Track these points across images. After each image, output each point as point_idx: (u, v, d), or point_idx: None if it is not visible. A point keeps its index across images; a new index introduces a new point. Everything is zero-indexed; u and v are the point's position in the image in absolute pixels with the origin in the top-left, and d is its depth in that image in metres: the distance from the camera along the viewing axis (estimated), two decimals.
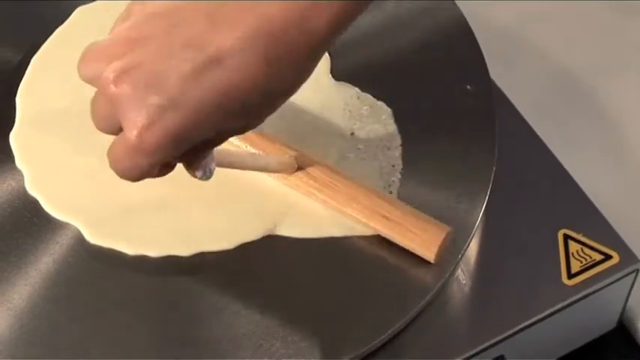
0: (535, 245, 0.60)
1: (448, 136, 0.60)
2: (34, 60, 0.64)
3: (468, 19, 0.65)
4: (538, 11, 0.77)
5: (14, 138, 0.61)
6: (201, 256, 0.55)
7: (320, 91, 0.62)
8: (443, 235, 0.54)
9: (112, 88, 0.40)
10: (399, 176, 0.58)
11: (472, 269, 0.59)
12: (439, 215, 0.56)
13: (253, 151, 0.57)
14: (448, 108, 0.61)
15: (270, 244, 0.56)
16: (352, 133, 0.60)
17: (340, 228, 0.56)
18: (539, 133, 0.64)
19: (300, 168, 0.56)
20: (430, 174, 0.58)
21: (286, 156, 0.57)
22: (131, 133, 0.41)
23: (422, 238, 0.54)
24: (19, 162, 0.60)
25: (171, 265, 0.54)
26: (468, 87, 0.62)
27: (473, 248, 0.59)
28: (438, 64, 0.64)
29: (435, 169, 0.59)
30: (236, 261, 0.55)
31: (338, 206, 0.56)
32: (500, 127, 0.60)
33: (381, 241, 0.55)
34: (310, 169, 0.57)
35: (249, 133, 0.53)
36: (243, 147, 0.57)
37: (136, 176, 0.43)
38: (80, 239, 0.56)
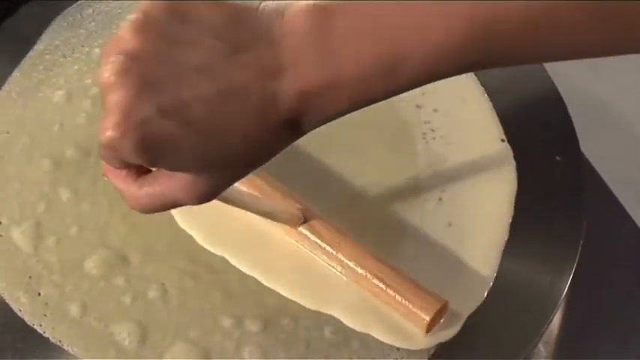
0: (621, 320, 0.59)
1: (535, 208, 0.60)
2: None
3: (560, 90, 0.65)
4: (633, 86, 0.76)
5: None
6: None
7: None
8: (438, 306, 0.53)
9: None
10: None
11: (554, 343, 0.58)
12: (522, 286, 0.56)
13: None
14: (536, 178, 0.61)
15: None
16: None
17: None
18: (626, 206, 0.64)
19: (305, 222, 0.56)
20: (515, 245, 0.58)
21: (294, 208, 0.56)
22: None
23: (415, 306, 0.53)
24: None
25: None
26: (557, 158, 0.62)
27: (556, 322, 0.59)
28: (528, 133, 0.64)
29: (520, 240, 0.59)
30: None
31: (340, 262, 0.56)
32: (587, 200, 0.60)
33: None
34: (315, 224, 0.56)
35: (259, 180, 0.55)
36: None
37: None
38: None
